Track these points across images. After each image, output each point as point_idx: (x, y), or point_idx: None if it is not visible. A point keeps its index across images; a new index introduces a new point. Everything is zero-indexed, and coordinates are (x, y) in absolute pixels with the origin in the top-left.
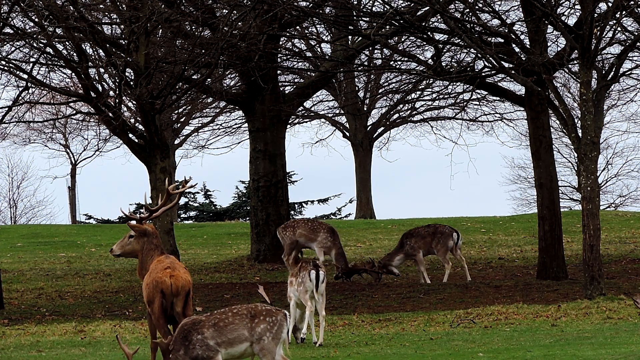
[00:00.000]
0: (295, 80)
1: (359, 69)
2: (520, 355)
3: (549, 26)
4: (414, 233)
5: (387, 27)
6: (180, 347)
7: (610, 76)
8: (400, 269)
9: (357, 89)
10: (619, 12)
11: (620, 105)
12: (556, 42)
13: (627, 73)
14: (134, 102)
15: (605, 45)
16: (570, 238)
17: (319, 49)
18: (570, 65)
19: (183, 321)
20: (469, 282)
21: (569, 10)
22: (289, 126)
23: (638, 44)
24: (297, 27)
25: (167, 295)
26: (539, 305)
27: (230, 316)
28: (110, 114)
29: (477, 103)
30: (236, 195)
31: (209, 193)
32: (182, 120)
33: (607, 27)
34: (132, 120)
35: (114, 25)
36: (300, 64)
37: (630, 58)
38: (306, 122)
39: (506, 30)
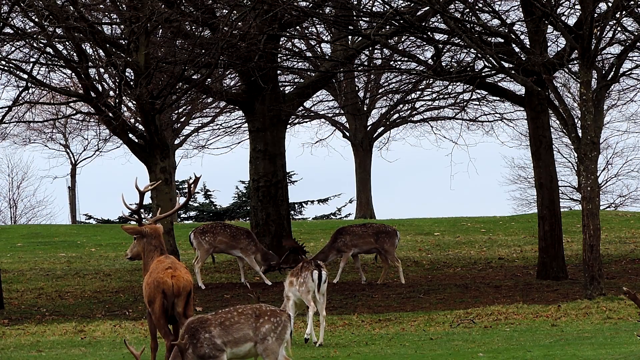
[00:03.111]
0: (295, 80)
1: (359, 69)
2: (520, 355)
3: (549, 26)
4: (348, 231)
5: (387, 27)
6: (189, 346)
7: (610, 76)
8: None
9: (357, 89)
10: (619, 12)
11: (620, 105)
12: (556, 42)
13: (627, 73)
14: (134, 102)
15: (605, 45)
16: (570, 238)
17: (319, 49)
18: (570, 65)
19: (189, 319)
20: (403, 283)
21: (569, 10)
22: (289, 126)
23: (638, 44)
24: (297, 27)
25: (169, 295)
26: (539, 305)
27: (236, 315)
28: (110, 114)
29: (477, 103)
30: (236, 195)
31: (209, 193)
32: (182, 120)
33: (607, 27)
34: (132, 120)
35: (114, 25)
36: (300, 64)
37: (630, 58)
38: (306, 122)
39: (506, 30)
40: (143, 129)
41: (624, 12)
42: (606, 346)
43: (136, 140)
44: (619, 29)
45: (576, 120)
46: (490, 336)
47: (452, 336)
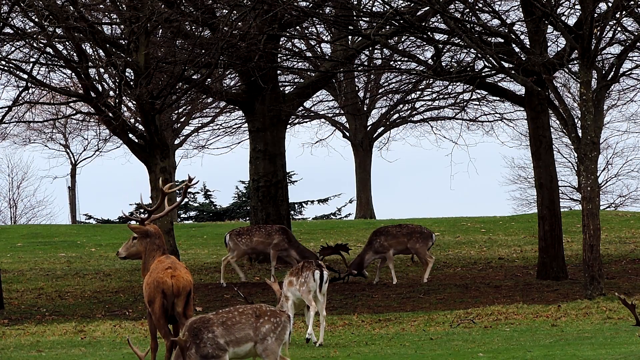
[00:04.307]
0: (295, 80)
1: (359, 69)
2: (520, 355)
3: (549, 26)
4: (384, 231)
5: (387, 27)
6: (191, 345)
7: (610, 76)
8: (401, 270)
9: (357, 89)
10: (619, 12)
11: (620, 105)
12: (556, 42)
13: (627, 73)
14: (134, 102)
15: (605, 46)
16: (570, 238)
17: (319, 49)
18: (570, 65)
19: (191, 319)
20: (426, 282)
21: (569, 10)
22: (289, 126)
23: (638, 44)
24: (297, 27)
25: (168, 295)
26: (539, 305)
27: (237, 315)
28: (110, 114)
29: (477, 103)
30: (236, 195)
31: (209, 193)
32: (182, 120)
33: (607, 27)
34: (132, 120)
35: (114, 25)
36: (300, 64)
37: (630, 58)
38: (306, 122)
39: (506, 30)
40: (143, 129)
41: (624, 12)
42: (606, 346)
43: (136, 140)
44: (619, 29)
45: (576, 120)
46: (490, 336)
47: (452, 336)
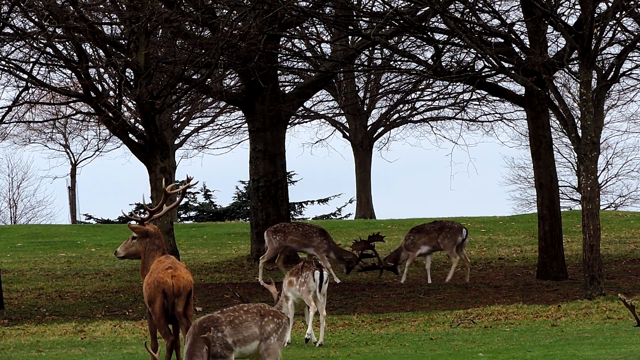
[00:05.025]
0: (295, 80)
1: (359, 69)
2: (520, 355)
3: (549, 26)
4: (419, 229)
5: (387, 27)
6: (203, 344)
7: (610, 76)
8: (402, 269)
9: (357, 89)
10: (619, 12)
11: (620, 105)
12: (556, 42)
13: (627, 73)
14: (134, 102)
15: (605, 46)
16: (570, 238)
17: (319, 49)
18: (570, 65)
19: (200, 319)
20: (467, 283)
21: (569, 10)
22: (289, 126)
23: (638, 44)
24: (297, 27)
25: (169, 295)
26: (539, 305)
27: (243, 314)
28: (110, 114)
29: (477, 103)
30: (236, 195)
31: (209, 193)
32: (182, 120)
33: (607, 27)
34: (132, 120)
35: (114, 25)
36: (300, 64)
37: (630, 58)
38: (306, 122)
39: (506, 30)
40: (143, 129)
41: (624, 12)
42: (606, 346)
43: (136, 140)
44: (619, 29)
45: (576, 120)
46: (490, 336)
47: (452, 336)
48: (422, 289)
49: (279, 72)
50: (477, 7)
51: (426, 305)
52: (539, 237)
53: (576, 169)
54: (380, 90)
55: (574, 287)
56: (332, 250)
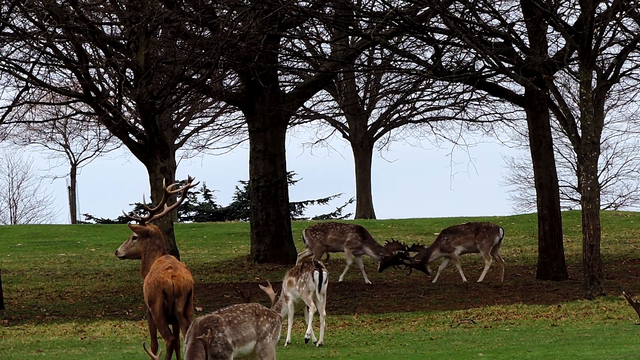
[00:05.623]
0: (295, 80)
1: (359, 69)
2: (520, 355)
3: (549, 26)
4: (453, 230)
5: (387, 27)
6: (202, 345)
7: (610, 76)
8: (402, 269)
9: (357, 89)
10: (619, 12)
11: (620, 105)
12: (556, 42)
13: (627, 73)
14: (134, 102)
15: (605, 46)
16: (570, 238)
17: (319, 49)
18: (570, 65)
19: (199, 318)
20: (502, 282)
21: (569, 10)
22: (289, 126)
23: (638, 44)
24: (297, 27)
25: (169, 295)
26: (539, 305)
27: (240, 314)
28: (110, 114)
29: (477, 103)
30: (236, 195)
31: (209, 193)
32: (182, 120)
33: (607, 27)
34: (132, 120)
35: (114, 25)
36: (300, 64)
37: (630, 58)
38: (306, 122)
39: (506, 30)
40: (143, 129)
41: (624, 12)
42: (606, 346)
43: (136, 140)
44: (619, 29)
45: (576, 120)
46: (490, 336)
47: (452, 336)
48: (422, 288)
49: (279, 72)
50: (477, 7)
51: (426, 305)
52: (539, 237)
53: (576, 169)
54: (380, 90)
55: (574, 287)
56: (367, 246)
